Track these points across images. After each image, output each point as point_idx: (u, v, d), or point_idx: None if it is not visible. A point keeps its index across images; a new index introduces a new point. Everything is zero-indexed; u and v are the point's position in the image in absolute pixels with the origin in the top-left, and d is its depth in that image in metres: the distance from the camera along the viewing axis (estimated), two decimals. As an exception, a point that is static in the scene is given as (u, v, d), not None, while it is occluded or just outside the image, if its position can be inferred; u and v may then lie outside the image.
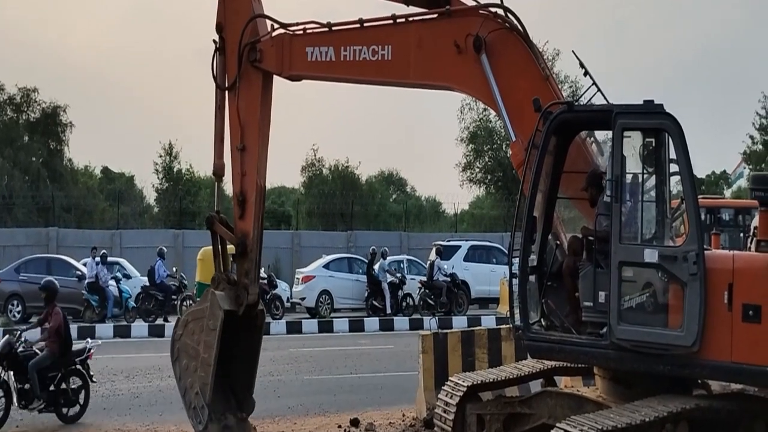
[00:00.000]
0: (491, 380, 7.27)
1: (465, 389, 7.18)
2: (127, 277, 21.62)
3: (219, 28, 7.62)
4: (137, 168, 66.94)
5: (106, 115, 66.97)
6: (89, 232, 27.76)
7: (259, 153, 7.42)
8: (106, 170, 45.04)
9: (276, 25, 7.44)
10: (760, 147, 37.19)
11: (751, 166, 34.93)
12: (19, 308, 20.25)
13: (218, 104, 7.63)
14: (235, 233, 7.54)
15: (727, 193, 37.54)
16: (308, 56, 7.31)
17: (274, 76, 7.55)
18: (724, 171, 41.67)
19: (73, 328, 17.79)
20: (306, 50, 7.32)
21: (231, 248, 7.66)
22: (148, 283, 20.22)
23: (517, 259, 6.33)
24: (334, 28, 7.24)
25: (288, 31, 7.41)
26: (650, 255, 5.88)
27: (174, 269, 20.94)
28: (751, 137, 37.60)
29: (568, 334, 6.33)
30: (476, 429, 7.13)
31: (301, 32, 7.37)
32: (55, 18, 63.80)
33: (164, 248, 21.32)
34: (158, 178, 38.36)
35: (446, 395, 7.33)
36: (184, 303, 19.81)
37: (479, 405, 7.22)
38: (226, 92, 7.59)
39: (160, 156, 38.01)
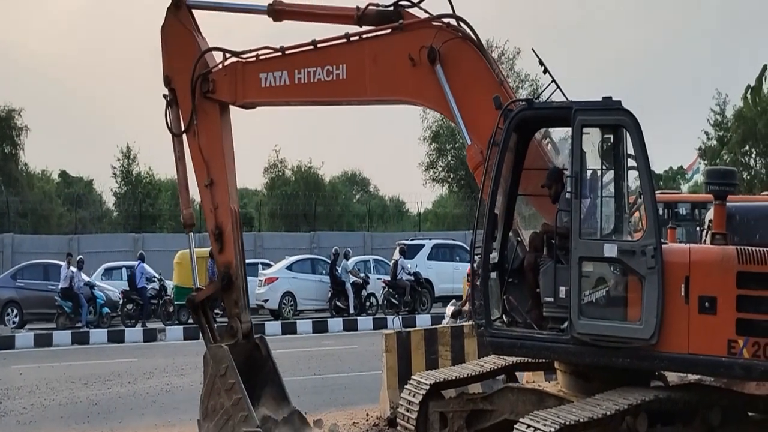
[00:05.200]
0: (454, 378, 7.27)
1: (428, 387, 7.16)
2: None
3: (167, 81, 7.46)
4: (96, 172, 65.93)
5: (64, 118, 65.76)
6: (46, 237, 27.23)
7: (227, 182, 7.34)
8: (63, 174, 44.12)
9: (228, 55, 7.30)
10: (715, 143, 37.90)
11: (706, 162, 35.59)
12: (16, 315, 19.82)
13: (178, 155, 7.55)
14: (217, 267, 7.49)
15: (684, 188, 38.20)
16: (262, 82, 7.18)
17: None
18: (681, 166, 42.42)
19: (29, 336, 17.55)
20: (259, 76, 7.19)
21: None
22: (128, 288, 20.02)
23: (479, 256, 6.33)
24: (287, 52, 7.12)
25: (240, 59, 7.27)
26: (609, 250, 5.92)
27: (157, 273, 20.62)
28: (706, 133, 38.31)
29: (530, 330, 6.34)
30: (439, 427, 7.12)
31: (254, 59, 7.24)
32: (8, 20, 62.48)
33: (143, 252, 21.11)
34: (116, 181, 37.83)
35: (409, 394, 7.30)
36: (165, 308, 19.70)
37: (442, 403, 7.21)
38: (185, 137, 7.47)
39: (118, 159, 37.50)
